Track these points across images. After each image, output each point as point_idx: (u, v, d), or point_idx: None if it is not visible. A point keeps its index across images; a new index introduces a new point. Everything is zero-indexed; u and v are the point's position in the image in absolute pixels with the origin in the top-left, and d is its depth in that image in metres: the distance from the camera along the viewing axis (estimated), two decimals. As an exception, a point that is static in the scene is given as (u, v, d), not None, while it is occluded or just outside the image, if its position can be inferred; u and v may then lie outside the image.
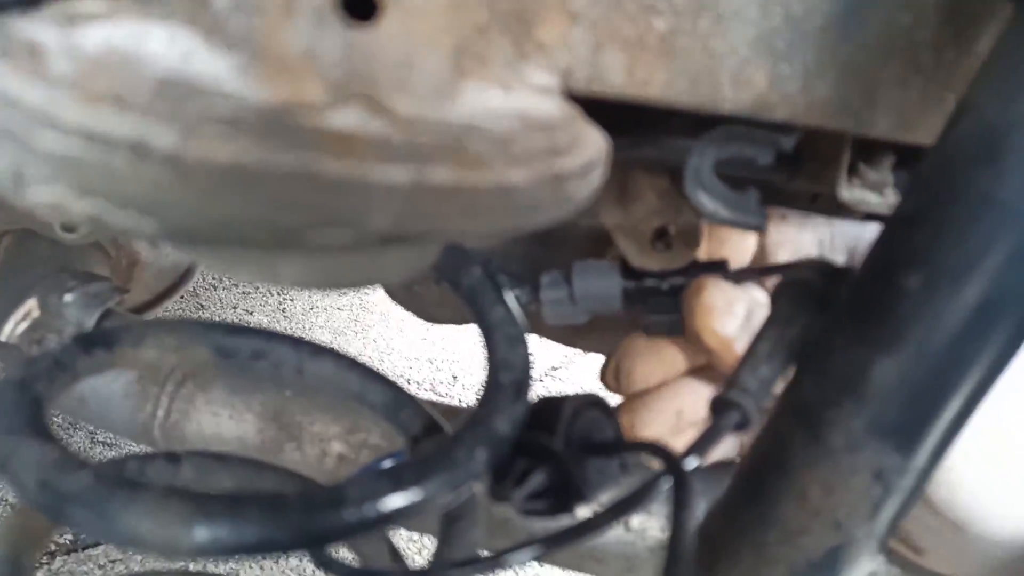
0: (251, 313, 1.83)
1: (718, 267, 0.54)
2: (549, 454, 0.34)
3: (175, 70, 0.22)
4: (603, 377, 0.62)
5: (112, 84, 0.21)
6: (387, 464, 0.41)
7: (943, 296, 0.30)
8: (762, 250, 0.56)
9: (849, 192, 0.47)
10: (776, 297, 0.39)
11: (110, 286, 0.64)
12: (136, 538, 0.25)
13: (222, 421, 0.61)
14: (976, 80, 0.32)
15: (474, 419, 0.32)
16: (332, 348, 0.45)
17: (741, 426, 0.32)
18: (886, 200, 0.49)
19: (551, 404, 0.36)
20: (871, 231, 0.56)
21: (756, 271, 0.54)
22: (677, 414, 0.58)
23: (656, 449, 0.30)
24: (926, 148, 0.42)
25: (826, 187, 0.49)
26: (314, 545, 0.27)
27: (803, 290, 0.38)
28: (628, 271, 0.55)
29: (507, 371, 0.35)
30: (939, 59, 0.38)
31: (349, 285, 0.30)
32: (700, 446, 0.30)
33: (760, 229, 0.43)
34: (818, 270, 0.39)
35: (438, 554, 0.40)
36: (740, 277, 0.53)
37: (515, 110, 0.27)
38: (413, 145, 0.23)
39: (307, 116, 0.22)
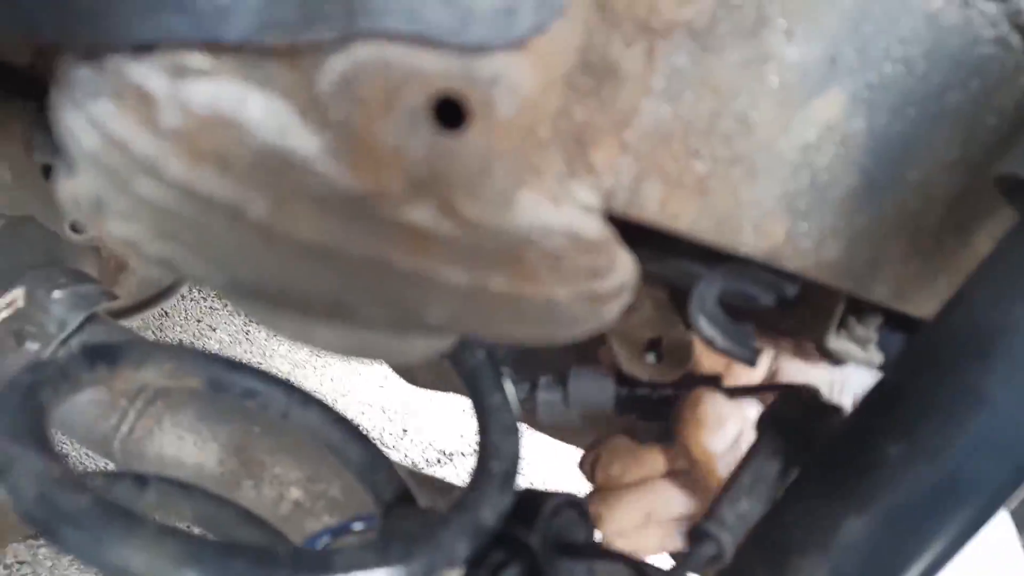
0: (214, 329, 1.81)
1: (712, 381, 0.56)
2: (525, 549, 0.35)
3: (273, 143, 0.24)
4: (582, 466, 0.64)
5: (217, 146, 0.23)
6: (358, 527, 0.41)
7: (919, 469, 0.33)
8: (772, 375, 0.58)
9: (836, 342, 0.50)
10: (761, 428, 0.41)
11: (100, 290, 0.63)
12: (124, 570, 0.25)
13: (185, 446, 0.60)
14: (975, 276, 0.35)
15: (462, 505, 0.33)
16: (321, 400, 0.46)
17: (716, 559, 0.33)
18: (868, 355, 0.52)
19: (533, 497, 0.37)
20: None
21: (749, 389, 0.56)
22: (647, 514, 0.59)
23: (635, 565, 0.31)
24: (913, 318, 0.45)
25: (814, 333, 0.52)
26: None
27: (787, 425, 0.40)
28: (622, 378, 0.57)
29: (498, 460, 0.36)
30: (939, 245, 0.41)
31: (373, 357, 0.31)
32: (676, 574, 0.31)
33: (750, 363, 0.45)
34: (806, 402, 0.41)
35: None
36: (734, 394, 0.55)
37: (565, 227, 0.29)
38: (476, 250, 0.25)
39: (386, 206, 0.24)
